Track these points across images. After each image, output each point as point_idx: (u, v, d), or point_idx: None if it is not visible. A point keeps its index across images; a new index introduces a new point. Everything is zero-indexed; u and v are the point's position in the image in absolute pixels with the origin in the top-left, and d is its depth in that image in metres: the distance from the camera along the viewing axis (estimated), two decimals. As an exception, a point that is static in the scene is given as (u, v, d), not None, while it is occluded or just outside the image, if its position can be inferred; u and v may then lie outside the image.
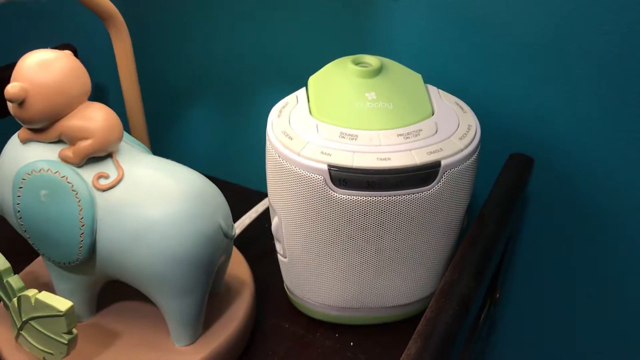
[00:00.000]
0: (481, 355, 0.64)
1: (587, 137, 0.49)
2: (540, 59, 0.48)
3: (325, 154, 0.37)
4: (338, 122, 0.39)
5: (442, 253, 0.42)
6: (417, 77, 0.43)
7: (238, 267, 0.49)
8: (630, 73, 0.45)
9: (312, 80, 0.42)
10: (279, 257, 0.45)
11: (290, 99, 0.43)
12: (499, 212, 0.44)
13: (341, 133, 0.38)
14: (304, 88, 0.44)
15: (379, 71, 0.41)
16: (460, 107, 0.42)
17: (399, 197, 0.38)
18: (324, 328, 0.47)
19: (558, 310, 0.59)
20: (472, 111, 0.42)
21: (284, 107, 0.42)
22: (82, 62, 0.68)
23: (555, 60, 0.48)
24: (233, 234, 0.41)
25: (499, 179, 0.47)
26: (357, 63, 0.42)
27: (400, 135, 0.38)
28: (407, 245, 0.40)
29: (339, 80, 0.41)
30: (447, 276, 0.38)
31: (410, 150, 0.37)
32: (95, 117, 0.39)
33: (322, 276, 0.42)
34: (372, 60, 0.42)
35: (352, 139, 0.38)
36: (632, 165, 0.48)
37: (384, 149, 0.37)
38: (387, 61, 0.43)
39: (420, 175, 0.37)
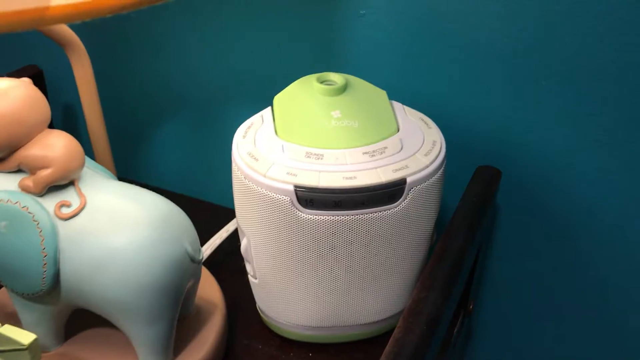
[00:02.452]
0: (458, 365, 0.64)
1: (553, 147, 0.50)
2: (504, 71, 0.49)
3: (291, 174, 0.37)
4: (304, 142, 0.39)
5: (412, 269, 0.42)
6: (382, 94, 0.43)
7: (209, 288, 0.49)
8: (593, 84, 0.46)
9: (277, 99, 0.42)
10: (250, 277, 0.45)
11: (255, 118, 0.43)
12: (467, 226, 0.44)
13: (307, 153, 0.38)
14: (269, 107, 0.43)
15: (344, 89, 0.41)
16: (425, 122, 0.42)
17: (366, 215, 0.38)
18: (297, 347, 0.47)
19: (534, 315, 0.59)
20: (436, 126, 0.42)
21: (249, 127, 0.42)
22: (49, 83, 0.69)
23: (520, 72, 0.48)
24: (200, 258, 0.41)
25: (466, 193, 0.47)
26: (322, 81, 0.42)
27: (366, 153, 0.38)
28: (377, 263, 0.40)
29: (304, 99, 0.41)
30: (415, 294, 0.38)
31: (376, 168, 0.37)
32: (56, 145, 0.39)
33: (293, 296, 0.42)
34: (337, 78, 0.42)
35: (318, 158, 0.38)
36: (599, 174, 0.49)
37: (350, 167, 0.37)
38: (352, 78, 0.43)
39: (387, 193, 0.37)
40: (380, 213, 0.38)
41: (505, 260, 0.57)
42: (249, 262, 0.44)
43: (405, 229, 0.40)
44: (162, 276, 0.38)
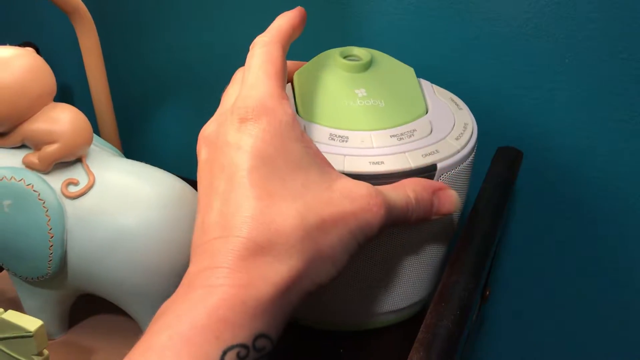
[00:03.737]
0: (467, 355, 0.62)
1: (577, 128, 0.48)
2: (526, 47, 0.47)
3: None
4: (327, 122, 0.36)
5: (435, 257, 0.40)
6: (410, 71, 0.40)
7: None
8: (618, 62, 0.44)
9: (297, 75, 0.39)
10: None
11: None
12: (492, 209, 0.42)
13: (331, 134, 0.36)
14: (289, 84, 0.41)
15: (368, 65, 0.39)
16: (456, 103, 0.40)
17: None
18: (311, 334, 0.45)
19: (547, 307, 0.58)
20: (467, 107, 0.40)
21: None
22: (46, 62, 0.66)
23: (542, 49, 0.46)
24: None
25: (489, 174, 0.45)
26: (345, 56, 0.39)
27: (394, 136, 0.36)
28: (400, 252, 0.38)
29: (326, 76, 0.38)
30: (445, 278, 0.36)
31: (405, 152, 0.35)
32: (62, 119, 0.36)
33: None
34: (362, 53, 0.39)
35: (343, 140, 0.35)
36: (624, 155, 0.47)
37: (377, 151, 0.35)
38: (377, 54, 0.41)
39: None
40: None
41: (523, 246, 0.56)
42: None
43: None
44: (175, 258, 0.37)
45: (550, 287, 0.56)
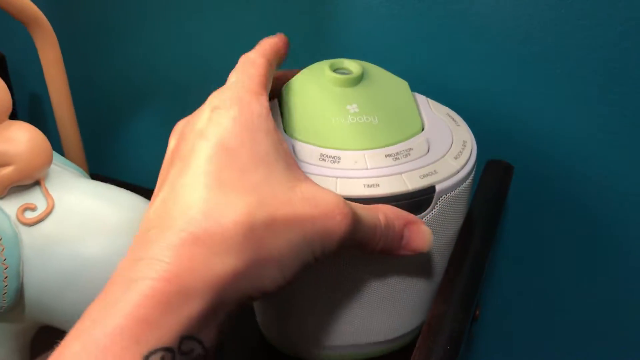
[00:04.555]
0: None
1: (569, 140, 0.46)
2: (518, 57, 0.44)
3: None
4: (317, 141, 0.33)
5: (433, 281, 0.38)
6: (404, 85, 0.38)
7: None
8: (608, 70, 0.42)
9: (285, 90, 0.37)
10: (257, 314, 0.40)
11: None
12: (483, 228, 0.40)
13: (321, 155, 0.33)
14: (275, 100, 0.38)
15: (360, 78, 0.36)
16: (453, 119, 0.38)
17: None
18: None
19: (539, 324, 0.55)
20: (465, 123, 0.38)
21: None
22: (12, 69, 0.63)
23: (534, 59, 0.44)
24: None
25: (479, 190, 0.43)
26: (335, 69, 0.37)
27: (389, 155, 0.33)
28: (396, 278, 0.36)
29: (315, 91, 0.36)
30: (433, 308, 0.33)
31: (401, 173, 0.32)
32: (18, 139, 0.34)
33: (299, 314, 0.37)
34: (353, 66, 0.37)
35: (334, 161, 0.33)
36: (619, 168, 0.45)
37: (371, 172, 0.32)
38: (369, 66, 0.38)
39: (413, 203, 0.32)
40: None
41: (513, 263, 0.53)
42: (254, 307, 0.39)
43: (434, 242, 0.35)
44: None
45: (544, 304, 0.54)
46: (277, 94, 0.37)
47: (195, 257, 0.23)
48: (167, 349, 0.22)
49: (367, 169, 0.32)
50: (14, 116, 0.35)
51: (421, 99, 0.39)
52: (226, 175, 0.26)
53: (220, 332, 0.25)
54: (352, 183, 0.31)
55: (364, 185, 0.31)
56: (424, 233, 0.32)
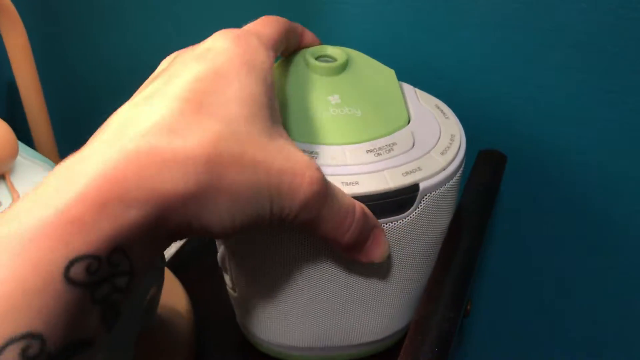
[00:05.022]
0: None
1: (565, 128, 0.44)
2: (514, 43, 0.43)
3: None
4: (294, 135, 0.31)
5: (419, 282, 0.36)
6: (390, 74, 0.36)
7: (172, 294, 0.42)
8: (608, 57, 0.40)
9: None
10: (228, 289, 0.38)
11: None
12: (474, 223, 0.38)
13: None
14: None
15: (344, 67, 0.34)
16: (442, 110, 0.35)
17: None
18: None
19: (530, 318, 0.54)
20: (454, 115, 0.36)
21: None
22: None
23: (530, 45, 0.42)
24: (160, 265, 0.34)
25: (471, 181, 0.41)
26: (317, 56, 0.35)
27: (370, 151, 0.31)
28: (380, 279, 0.34)
29: (295, 79, 0.34)
30: (421, 308, 0.32)
31: (383, 170, 0.30)
32: None
33: (280, 314, 0.36)
34: (336, 53, 0.35)
35: (312, 157, 0.31)
36: (616, 157, 0.44)
37: (351, 169, 0.30)
38: (354, 54, 0.36)
39: (395, 202, 0.30)
40: (386, 225, 0.31)
41: (502, 255, 0.52)
42: (227, 273, 0.37)
43: (414, 240, 0.33)
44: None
45: (538, 297, 0.53)
46: None
47: (148, 167, 0.22)
48: (95, 257, 0.20)
49: (346, 165, 0.30)
50: None
51: (408, 89, 0.37)
52: (209, 100, 0.24)
53: (151, 255, 0.23)
54: (330, 179, 0.29)
55: (342, 183, 0.30)
56: (385, 244, 0.30)
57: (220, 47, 0.26)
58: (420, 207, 0.31)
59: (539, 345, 0.55)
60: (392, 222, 0.31)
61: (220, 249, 0.36)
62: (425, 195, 0.31)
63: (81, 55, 0.59)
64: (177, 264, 0.48)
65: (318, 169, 0.26)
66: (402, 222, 0.31)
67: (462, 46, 0.45)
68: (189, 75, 0.25)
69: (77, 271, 0.19)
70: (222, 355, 0.42)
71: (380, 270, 0.34)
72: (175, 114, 0.23)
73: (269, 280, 0.34)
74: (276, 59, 0.31)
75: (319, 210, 0.26)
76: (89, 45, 0.59)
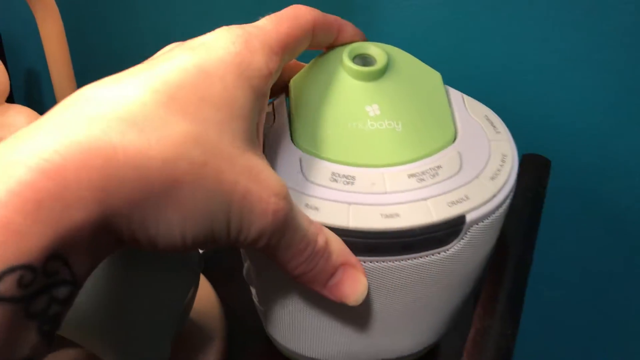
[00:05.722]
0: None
1: (612, 130, 0.43)
2: (557, 40, 0.41)
3: (311, 207, 0.28)
4: (329, 154, 0.29)
5: (456, 305, 0.34)
6: (436, 78, 0.32)
7: (203, 297, 0.41)
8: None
9: (294, 84, 0.32)
10: (255, 301, 0.37)
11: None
12: (524, 230, 0.36)
13: (333, 174, 0.28)
14: (283, 94, 0.33)
15: (384, 70, 0.30)
16: (492, 123, 0.32)
17: (406, 262, 0.29)
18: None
19: (585, 336, 0.52)
20: (506, 129, 0.32)
21: None
22: (7, 46, 0.60)
23: (574, 43, 0.41)
24: (200, 262, 0.34)
25: (517, 188, 0.40)
26: (354, 56, 0.31)
27: (412, 176, 0.28)
28: (415, 306, 0.32)
29: (329, 83, 0.30)
30: (477, 323, 0.30)
31: (426, 199, 0.28)
32: (16, 126, 0.31)
33: (308, 331, 0.34)
34: (377, 53, 0.31)
35: (348, 182, 0.28)
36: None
37: (391, 198, 0.28)
38: (396, 52, 0.32)
39: (438, 236, 0.28)
40: (425, 258, 0.29)
41: (551, 268, 0.50)
42: (253, 288, 0.35)
43: (455, 272, 0.31)
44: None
45: (585, 310, 0.51)
46: (284, 88, 0.32)
47: (95, 161, 0.19)
48: (28, 268, 0.17)
49: (385, 192, 0.28)
50: (9, 98, 0.32)
51: (456, 96, 0.33)
52: (182, 95, 0.22)
53: (94, 263, 0.20)
54: (367, 212, 0.27)
55: (381, 215, 0.27)
56: (359, 284, 0.27)
57: (216, 44, 0.24)
58: (464, 239, 0.29)
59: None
60: (431, 255, 0.29)
61: (246, 264, 0.34)
62: (472, 226, 0.28)
63: (108, 41, 0.58)
64: (207, 266, 0.47)
65: (286, 198, 0.24)
66: (443, 255, 0.29)
67: (506, 44, 0.43)
68: (171, 65, 0.23)
69: (7, 286, 0.17)
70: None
71: (415, 301, 0.31)
72: (141, 102, 0.21)
73: (297, 303, 0.32)
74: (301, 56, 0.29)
75: (277, 239, 0.24)
76: (116, 31, 0.57)
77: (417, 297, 0.31)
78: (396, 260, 0.28)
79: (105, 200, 0.19)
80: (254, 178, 0.23)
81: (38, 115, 0.32)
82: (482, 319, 0.30)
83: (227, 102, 0.23)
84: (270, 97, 0.28)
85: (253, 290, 0.36)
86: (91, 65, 0.59)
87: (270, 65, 0.25)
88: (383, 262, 0.28)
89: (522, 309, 0.32)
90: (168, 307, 0.33)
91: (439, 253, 0.28)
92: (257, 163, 0.23)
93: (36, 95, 0.63)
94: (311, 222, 0.26)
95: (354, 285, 0.27)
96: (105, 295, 0.29)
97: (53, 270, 0.18)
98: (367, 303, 0.31)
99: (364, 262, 0.28)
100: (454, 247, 0.29)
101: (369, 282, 0.28)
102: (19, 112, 0.31)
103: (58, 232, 0.18)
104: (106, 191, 0.19)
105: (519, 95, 0.44)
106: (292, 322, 0.34)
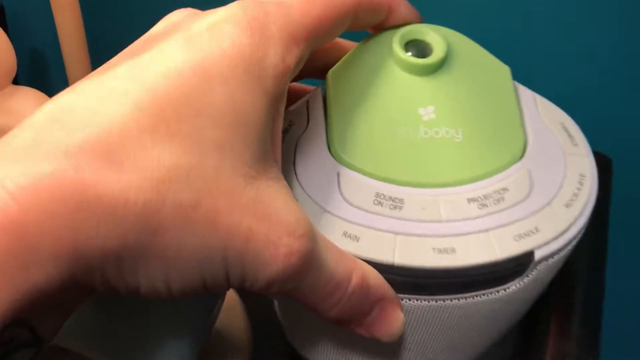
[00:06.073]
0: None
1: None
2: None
3: (350, 236, 0.23)
4: (373, 169, 0.24)
5: (501, 336, 0.30)
6: (504, 73, 0.27)
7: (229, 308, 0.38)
8: None
9: (333, 76, 0.27)
10: (278, 316, 0.33)
11: (296, 113, 0.27)
12: (592, 239, 0.33)
13: (378, 195, 0.24)
14: (319, 87, 0.28)
15: (443, 62, 0.25)
16: (569, 133, 0.27)
17: (459, 301, 0.25)
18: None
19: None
20: (584, 140, 0.27)
21: (284, 131, 0.26)
22: (11, 22, 0.56)
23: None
24: None
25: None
26: (407, 42, 0.26)
27: (473, 200, 0.24)
28: (456, 341, 0.28)
29: (375, 75, 0.26)
30: (553, 348, 0.27)
31: (488, 231, 0.23)
32: (23, 109, 0.28)
33: (334, 351, 0.30)
34: (435, 39, 0.25)
35: (395, 206, 0.24)
36: None
37: (446, 228, 0.23)
38: (456, 38, 0.27)
39: (500, 275, 0.24)
40: (477, 298, 0.25)
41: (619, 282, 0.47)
42: (280, 320, 0.32)
43: (510, 310, 0.27)
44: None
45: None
46: (320, 72, 0.27)
47: (62, 207, 0.16)
48: None
49: (440, 221, 0.23)
50: (14, 79, 0.31)
51: (527, 96, 0.28)
52: (174, 110, 0.18)
53: (61, 320, 0.18)
54: (417, 245, 0.23)
55: (434, 249, 0.23)
56: (395, 321, 0.24)
57: (220, 31, 0.20)
58: (528, 277, 0.25)
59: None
60: (489, 294, 0.24)
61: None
62: (540, 263, 0.24)
63: (128, 20, 0.55)
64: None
65: (304, 236, 0.20)
66: (494, 296, 0.25)
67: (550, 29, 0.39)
68: (161, 67, 0.19)
69: None
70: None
71: (465, 339, 0.27)
72: (121, 126, 0.17)
73: (328, 343, 0.29)
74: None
75: (294, 285, 0.20)
76: (133, 11, 0.54)
77: (461, 333, 0.27)
78: (447, 299, 0.24)
79: (73, 255, 0.16)
80: (261, 214, 0.19)
81: (48, 99, 0.29)
82: (557, 343, 0.27)
83: (231, 114, 0.19)
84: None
85: (276, 304, 0.32)
86: (107, 41, 0.56)
87: (289, 58, 0.21)
88: (430, 301, 0.24)
89: (600, 332, 0.29)
90: (190, 324, 0.30)
91: (495, 292, 0.24)
92: (267, 193, 0.20)
93: (43, 76, 0.60)
94: (342, 255, 0.22)
95: (389, 322, 0.23)
96: (116, 310, 0.27)
97: (12, 337, 0.16)
98: (403, 337, 0.27)
99: (405, 300, 0.24)
100: (514, 286, 0.24)
101: (407, 319, 0.25)
102: (28, 96, 0.29)
103: (15, 297, 0.15)
104: (75, 245, 0.16)
105: (573, 86, 0.41)
106: (315, 339, 0.30)
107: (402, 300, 0.24)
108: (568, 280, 0.29)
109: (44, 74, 0.61)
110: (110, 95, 0.18)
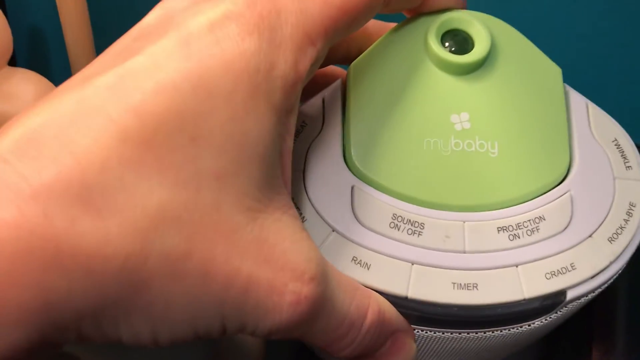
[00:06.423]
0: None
1: None
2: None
3: (360, 263, 0.21)
4: (392, 185, 0.22)
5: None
6: (554, 75, 0.24)
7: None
8: None
9: (355, 71, 0.23)
10: None
11: (311, 111, 0.24)
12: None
13: (395, 217, 0.22)
14: (338, 83, 0.24)
15: (484, 60, 0.22)
16: (622, 151, 0.24)
17: (477, 334, 0.23)
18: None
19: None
20: (638, 158, 0.24)
21: (296, 134, 0.23)
22: (9, 1, 0.54)
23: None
24: None
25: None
26: (444, 32, 0.23)
27: (503, 229, 0.21)
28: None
29: (404, 76, 0.22)
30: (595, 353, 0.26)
31: (517, 266, 0.21)
32: (22, 94, 0.28)
33: None
34: (477, 32, 0.22)
35: (414, 232, 0.21)
36: None
37: (469, 260, 0.21)
38: (501, 29, 0.23)
39: (526, 314, 0.22)
40: (501, 332, 0.23)
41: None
42: None
43: (537, 336, 0.25)
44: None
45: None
46: (345, 57, 0.24)
47: (29, 264, 0.14)
48: None
49: (464, 252, 0.21)
50: (12, 61, 0.29)
51: (578, 104, 0.24)
52: (165, 138, 0.15)
53: None
54: (435, 277, 0.21)
55: (454, 283, 0.21)
56: (409, 352, 0.22)
57: (224, 35, 0.17)
58: (557, 314, 0.22)
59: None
60: (512, 329, 0.22)
61: None
62: (571, 303, 0.22)
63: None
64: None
65: (314, 279, 0.17)
66: (517, 330, 0.22)
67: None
68: (151, 81, 0.16)
69: None
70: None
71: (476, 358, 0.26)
72: (101, 161, 0.15)
73: None
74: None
75: (304, 330, 0.18)
76: None
77: (478, 356, 0.25)
78: (467, 332, 0.22)
79: (42, 316, 0.14)
80: (265, 258, 0.17)
81: (49, 83, 0.27)
82: (601, 355, 0.25)
83: (233, 139, 0.16)
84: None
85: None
86: (110, 17, 0.53)
87: (302, 64, 0.18)
88: (442, 332, 0.22)
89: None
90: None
91: (518, 327, 0.22)
92: (273, 230, 0.17)
93: (42, 61, 0.58)
94: (355, 291, 0.19)
95: (402, 354, 0.22)
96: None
97: None
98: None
99: (422, 332, 0.23)
100: (540, 322, 0.22)
101: (419, 346, 0.23)
102: (26, 79, 0.27)
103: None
104: (45, 306, 0.14)
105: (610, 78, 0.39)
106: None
107: (414, 330, 0.22)
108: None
109: (44, 54, 0.59)
110: (90, 116, 0.15)
